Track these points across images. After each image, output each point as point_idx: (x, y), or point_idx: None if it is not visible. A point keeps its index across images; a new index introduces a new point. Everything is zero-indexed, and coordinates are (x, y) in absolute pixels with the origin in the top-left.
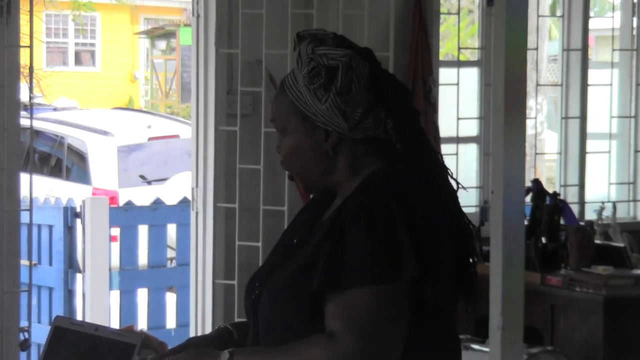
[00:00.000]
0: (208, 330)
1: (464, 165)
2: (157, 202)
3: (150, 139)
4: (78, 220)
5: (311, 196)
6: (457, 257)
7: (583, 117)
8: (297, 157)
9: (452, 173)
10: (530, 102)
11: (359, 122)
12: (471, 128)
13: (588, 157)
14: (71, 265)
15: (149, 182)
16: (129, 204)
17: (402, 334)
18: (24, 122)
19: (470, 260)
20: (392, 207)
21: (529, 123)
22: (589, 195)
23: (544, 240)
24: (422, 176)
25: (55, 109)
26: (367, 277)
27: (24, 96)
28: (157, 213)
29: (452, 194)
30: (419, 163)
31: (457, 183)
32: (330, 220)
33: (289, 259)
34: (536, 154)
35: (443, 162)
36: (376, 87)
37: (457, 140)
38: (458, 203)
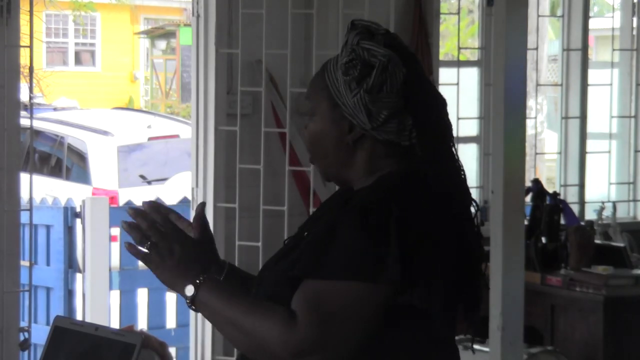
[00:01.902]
0: (208, 330)
1: (464, 166)
2: None
3: (150, 139)
4: (78, 220)
5: (312, 195)
6: (462, 270)
7: (583, 117)
8: (320, 142)
9: (472, 196)
10: (530, 102)
11: (382, 124)
12: (471, 128)
13: (588, 157)
14: (71, 265)
15: (149, 182)
16: (129, 204)
17: (362, 335)
18: (24, 122)
19: (477, 275)
20: (391, 209)
21: (529, 123)
22: (589, 195)
23: (544, 240)
24: (435, 187)
25: (55, 109)
26: (347, 272)
27: (24, 96)
28: None
29: (466, 212)
30: (436, 175)
31: (477, 206)
32: (333, 215)
33: (292, 252)
34: (536, 154)
35: (465, 182)
36: (409, 95)
37: (457, 140)
38: (472, 221)
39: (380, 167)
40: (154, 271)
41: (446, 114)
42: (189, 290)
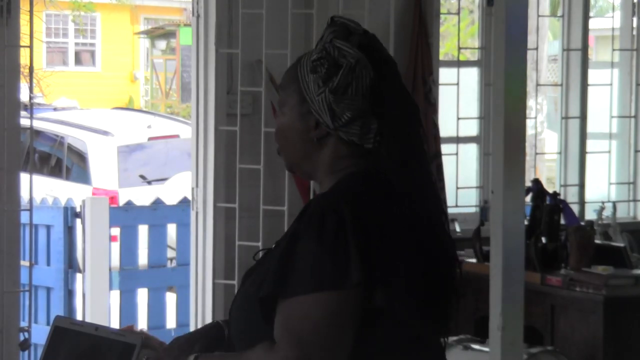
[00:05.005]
0: None
1: (464, 165)
2: (157, 202)
3: (150, 139)
4: (78, 220)
5: (312, 195)
6: (425, 271)
7: (583, 117)
8: (285, 133)
9: (440, 200)
10: (530, 102)
11: (345, 125)
12: (471, 128)
13: (588, 157)
14: (71, 265)
15: (149, 182)
16: (129, 204)
17: (345, 341)
18: (24, 122)
19: (443, 277)
20: (344, 213)
21: (529, 123)
22: (589, 195)
23: (544, 240)
24: (396, 188)
25: (55, 109)
26: (310, 285)
27: (24, 96)
28: (157, 213)
29: (434, 215)
30: (397, 177)
31: (445, 213)
32: (295, 222)
33: (264, 262)
34: (536, 154)
35: (432, 186)
36: (376, 99)
37: (457, 140)
38: (440, 226)
39: (343, 167)
40: None
41: (416, 119)
42: None
